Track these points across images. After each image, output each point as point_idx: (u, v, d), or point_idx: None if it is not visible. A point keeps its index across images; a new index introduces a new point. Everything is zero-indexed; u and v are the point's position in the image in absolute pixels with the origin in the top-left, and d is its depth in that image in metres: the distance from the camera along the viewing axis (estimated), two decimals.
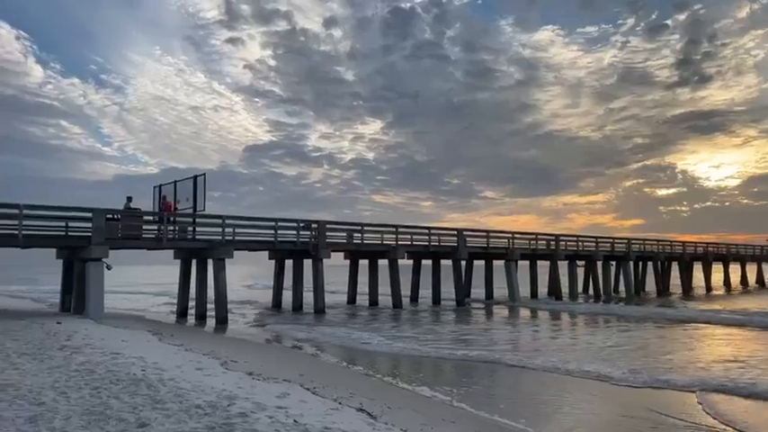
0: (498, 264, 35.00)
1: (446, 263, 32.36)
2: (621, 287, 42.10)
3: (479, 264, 35.94)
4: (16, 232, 18.32)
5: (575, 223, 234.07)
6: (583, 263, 40.83)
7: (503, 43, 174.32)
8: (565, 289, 36.85)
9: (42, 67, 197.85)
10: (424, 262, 33.55)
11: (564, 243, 37.43)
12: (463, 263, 32.53)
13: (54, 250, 21.72)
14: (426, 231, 30.68)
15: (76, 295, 20.54)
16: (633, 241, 42.80)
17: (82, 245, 19.57)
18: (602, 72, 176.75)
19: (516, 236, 34.85)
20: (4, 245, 19.00)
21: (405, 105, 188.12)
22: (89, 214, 19.56)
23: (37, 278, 60.57)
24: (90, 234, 19.45)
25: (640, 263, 45.62)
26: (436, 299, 31.57)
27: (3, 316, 19.04)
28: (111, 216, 20.33)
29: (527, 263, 37.07)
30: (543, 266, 37.77)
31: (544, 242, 36.50)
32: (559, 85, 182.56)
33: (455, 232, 31.62)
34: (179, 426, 6.00)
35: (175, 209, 23.00)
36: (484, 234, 33.41)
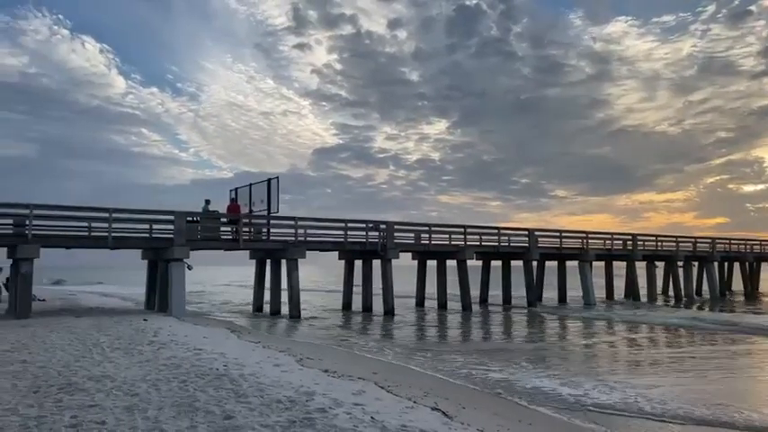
0: (572, 265, 33.96)
1: (516, 264, 31.71)
2: (705, 288, 39.85)
3: (551, 265, 35.00)
4: (106, 234, 19.55)
5: (652, 222, 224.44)
6: (662, 264, 38.98)
7: (572, 37, 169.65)
8: (643, 291, 35.30)
9: (124, 78, 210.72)
10: (493, 263, 33.05)
11: (641, 243, 35.87)
12: (534, 264, 31.78)
13: (139, 251, 23.04)
14: (496, 231, 30.21)
15: (160, 294, 21.67)
16: (718, 241, 40.43)
17: (165, 246, 20.61)
18: (680, 63, 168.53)
19: (591, 236, 33.71)
20: (95, 246, 20.31)
21: (471, 104, 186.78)
22: (171, 217, 20.58)
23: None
24: (172, 236, 20.46)
25: (726, 264, 43.03)
26: (506, 300, 31.00)
27: (95, 313, 20.37)
28: (190, 218, 21.29)
29: (602, 264, 35.80)
30: (619, 267, 36.34)
31: (620, 242, 35.12)
32: (634, 79, 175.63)
33: (526, 232, 30.96)
34: (262, 419, 6.22)
35: (251, 211, 23.83)
36: (556, 234, 32.50)
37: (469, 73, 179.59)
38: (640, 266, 36.03)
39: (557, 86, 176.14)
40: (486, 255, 31.54)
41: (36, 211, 18.23)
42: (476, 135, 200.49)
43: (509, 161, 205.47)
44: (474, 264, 30.17)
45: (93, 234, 19.80)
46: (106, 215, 19.50)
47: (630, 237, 35.67)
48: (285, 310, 24.05)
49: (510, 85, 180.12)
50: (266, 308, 25.81)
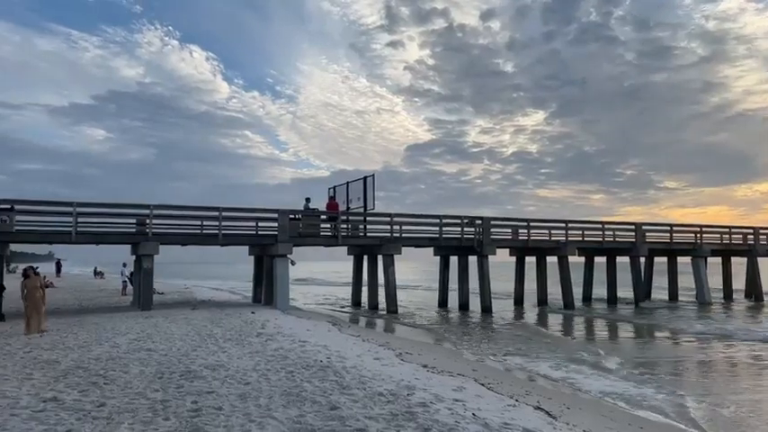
0: (684, 261, 31.78)
1: (622, 260, 30.13)
2: None
3: (661, 261, 32.91)
4: (217, 232, 20.83)
5: None
6: None
7: (681, 17, 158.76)
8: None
9: (228, 83, 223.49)
10: (597, 259, 31.63)
11: (765, 237, 32.84)
12: (642, 260, 30.05)
13: (246, 247, 24.32)
14: (599, 226, 28.88)
15: (266, 288, 22.78)
16: None
17: (269, 242, 21.63)
18: None
19: (705, 230, 31.35)
20: (207, 243, 21.69)
21: (570, 93, 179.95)
22: (275, 215, 21.56)
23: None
24: (276, 233, 21.42)
25: None
26: (611, 299, 29.55)
27: (208, 306, 21.77)
28: (293, 216, 22.18)
29: (718, 260, 33.18)
30: (739, 264, 33.53)
31: (740, 236, 32.36)
32: (753, 58, 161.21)
33: (632, 227, 29.34)
34: (365, 411, 6.39)
35: (348, 208, 24.46)
36: (666, 228, 30.55)
37: (568, 61, 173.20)
38: (764, 262, 33.00)
39: (664, 71, 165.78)
40: (588, 251, 30.24)
41: (155, 211, 19.78)
42: (576, 125, 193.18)
43: (613, 152, 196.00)
44: (576, 260, 29.06)
45: (204, 232, 21.16)
46: (216, 214, 20.77)
47: (752, 230, 32.79)
48: (383, 302, 24.43)
49: (612, 71, 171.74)
50: (363, 302, 26.39)
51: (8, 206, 17.98)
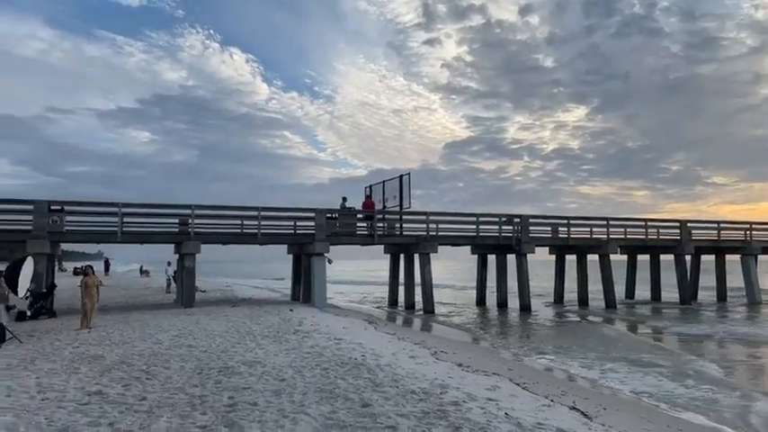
0: (733, 260, 30.67)
1: (667, 258, 29.27)
2: None
3: (708, 259, 31.85)
4: (256, 231, 21.21)
5: None
6: None
7: (729, 6, 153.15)
8: None
9: (267, 84, 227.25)
10: (640, 257, 30.82)
11: None
12: (688, 258, 29.15)
13: (285, 246, 24.69)
14: (642, 224, 28.15)
15: (304, 286, 23.07)
16: None
17: (307, 241, 21.90)
18: None
19: (755, 227, 30.18)
20: (246, 242, 22.09)
21: (612, 88, 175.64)
22: (312, 214, 21.82)
23: None
24: (314, 232, 21.67)
25: None
26: (655, 298, 28.74)
27: (248, 303, 22.20)
28: (329, 215, 22.40)
29: None
30: None
31: None
32: None
33: (677, 224, 28.50)
34: (397, 408, 6.43)
35: (384, 206, 24.53)
36: (714, 225, 29.56)
37: (610, 55, 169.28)
38: None
39: (712, 63, 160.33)
40: (631, 249, 29.51)
41: (197, 211, 20.28)
42: (618, 120, 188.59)
43: (657, 147, 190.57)
44: (618, 258, 28.40)
45: (244, 231, 21.57)
46: (255, 214, 21.15)
47: None
48: (419, 300, 24.40)
49: (657, 64, 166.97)
50: (400, 301, 26.41)
51: (59, 207, 18.77)
